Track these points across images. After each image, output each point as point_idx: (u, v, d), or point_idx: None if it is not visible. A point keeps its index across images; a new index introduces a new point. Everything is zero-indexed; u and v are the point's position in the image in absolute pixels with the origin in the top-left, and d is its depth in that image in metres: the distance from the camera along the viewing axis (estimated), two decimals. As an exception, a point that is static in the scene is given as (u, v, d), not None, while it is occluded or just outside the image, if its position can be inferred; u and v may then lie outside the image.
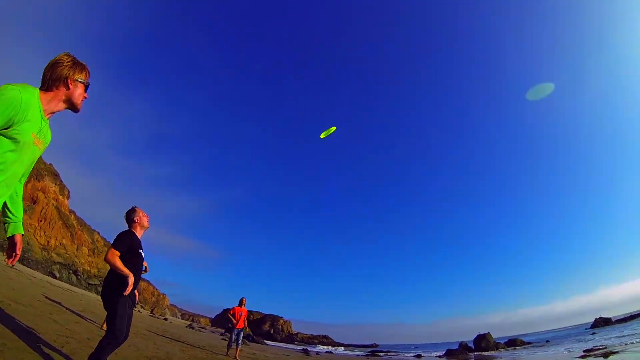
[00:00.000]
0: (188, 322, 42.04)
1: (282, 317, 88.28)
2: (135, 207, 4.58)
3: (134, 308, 4.51)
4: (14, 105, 1.83)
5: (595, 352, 16.28)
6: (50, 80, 2.13)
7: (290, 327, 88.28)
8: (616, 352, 14.94)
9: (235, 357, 11.36)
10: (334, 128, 7.09)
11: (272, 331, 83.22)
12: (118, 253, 4.05)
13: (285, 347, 37.93)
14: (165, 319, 35.61)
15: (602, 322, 44.66)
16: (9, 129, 1.84)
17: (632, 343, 17.76)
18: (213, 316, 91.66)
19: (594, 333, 36.62)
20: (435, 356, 32.93)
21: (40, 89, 2.11)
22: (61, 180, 51.98)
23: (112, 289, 4.04)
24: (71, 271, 45.03)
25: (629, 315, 49.15)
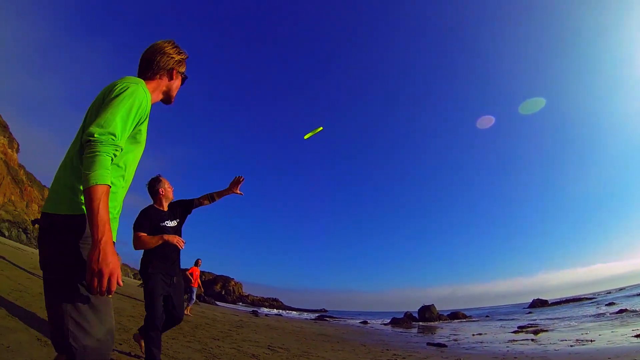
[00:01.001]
0: (140, 282, 40.88)
1: (233, 278, 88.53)
2: (160, 176, 4.22)
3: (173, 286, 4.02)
4: (145, 104, 1.71)
5: (528, 329, 17.09)
6: (156, 69, 1.98)
7: (241, 289, 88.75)
8: (545, 331, 15.65)
9: (187, 314, 11.68)
10: (320, 128, 6.48)
11: (223, 292, 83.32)
12: (143, 234, 3.82)
13: (235, 308, 37.73)
14: None
15: (539, 303, 47.07)
16: (134, 130, 1.69)
17: (561, 324, 18.68)
18: None
19: (530, 312, 38.24)
20: (381, 323, 33.49)
21: (142, 77, 1.94)
22: (10, 133, 48.67)
23: (142, 266, 3.91)
24: (20, 229, 43.52)
25: (563, 299, 53.03)
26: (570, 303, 42.82)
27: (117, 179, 1.69)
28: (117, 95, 1.60)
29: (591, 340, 10.41)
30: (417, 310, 36.44)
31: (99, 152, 1.44)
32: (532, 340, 12.42)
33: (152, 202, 4.18)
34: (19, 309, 5.00)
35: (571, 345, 9.95)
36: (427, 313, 34.94)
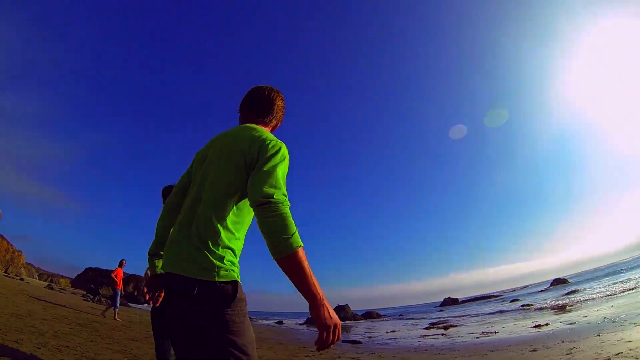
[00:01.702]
0: (47, 283, 37.16)
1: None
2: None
3: None
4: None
5: (438, 325, 17.99)
6: (271, 117, 1.90)
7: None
8: (455, 326, 16.45)
9: (115, 319, 11.26)
10: None
11: (135, 293, 78.32)
12: None
13: (149, 310, 35.39)
14: (22, 279, 32.07)
15: (450, 302, 50.35)
16: None
17: (469, 319, 19.96)
18: (74, 276, 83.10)
19: (441, 310, 40.63)
20: (296, 323, 33.62)
21: (258, 117, 1.88)
22: None
23: None
24: None
25: (473, 297, 57.36)
26: (479, 301, 46.23)
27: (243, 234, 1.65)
28: (273, 155, 1.53)
29: (495, 332, 11.00)
30: (332, 310, 36.76)
31: (285, 213, 1.40)
32: (442, 334, 12.93)
33: None
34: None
35: (477, 337, 10.44)
36: (342, 313, 35.36)
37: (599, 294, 18.05)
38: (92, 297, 22.80)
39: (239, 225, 1.57)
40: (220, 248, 1.46)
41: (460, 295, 57.79)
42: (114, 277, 12.11)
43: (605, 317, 8.57)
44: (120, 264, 12.23)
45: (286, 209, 1.41)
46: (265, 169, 1.48)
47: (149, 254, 1.87)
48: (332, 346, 1.36)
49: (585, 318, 9.01)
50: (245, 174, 1.53)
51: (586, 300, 16.35)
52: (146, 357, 5.53)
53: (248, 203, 1.50)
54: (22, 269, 61.80)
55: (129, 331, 8.97)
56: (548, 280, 44.37)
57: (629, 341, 5.26)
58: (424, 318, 28.61)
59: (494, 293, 59.10)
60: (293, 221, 1.40)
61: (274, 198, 1.39)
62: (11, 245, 63.08)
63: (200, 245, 1.45)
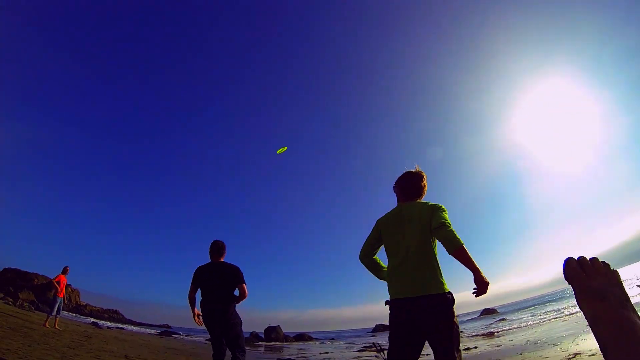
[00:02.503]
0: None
1: (70, 284, 77.44)
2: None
3: None
4: None
5: (371, 349, 17.94)
6: (422, 195, 3.04)
7: (79, 297, 78.01)
8: (387, 349, 16.38)
9: (55, 327, 10.94)
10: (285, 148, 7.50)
11: (53, 299, 72.40)
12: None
13: (73, 319, 32.99)
14: None
15: (382, 328, 51.02)
16: None
17: None
18: None
19: (374, 335, 41.07)
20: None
21: (416, 198, 3.03)
22: None
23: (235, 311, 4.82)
24: None
25: None
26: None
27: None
28: (443, 210, 2.73)
29: (427, 354, 11.43)
30: (263, 330, 36.21)
31: (452, 228, 2.59)
32: (376, 357, 13.24)
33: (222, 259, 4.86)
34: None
35: None
36: (273, 334, 34.90)
37: (524, 322, 19.39)
38: (12, 300, 20.96)
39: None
40: (435, 273, 2.59)
41: (391, 323, 58.83)
42: (56, 284, 11.64)
43: (528, 340, 9.30)
44: (64, 271, 11.82)
45: (452, 226, 2.60)
46: (439, 212, 2.69)
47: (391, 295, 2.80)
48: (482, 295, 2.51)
49: (511, 342, 9.70)
50: (430, 226, 2.66)
51: (513, 328, 17.46)
52: None
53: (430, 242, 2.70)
54: None
55: (61, 339, 8.59)
56: (478, 310, 46.43)
57: (547, 357, 5.85)
58: (356, 342, 28.93)
59: (425, 321, 60.58)
60: (456, 232, 2.56)
61: (446, 221, 2.61)
62: None
63: (429, 272, 2.59)
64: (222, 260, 4.81)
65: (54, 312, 11.44)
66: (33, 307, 20.73)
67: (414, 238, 2.67)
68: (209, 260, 4.74)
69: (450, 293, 2.50)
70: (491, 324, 25.45)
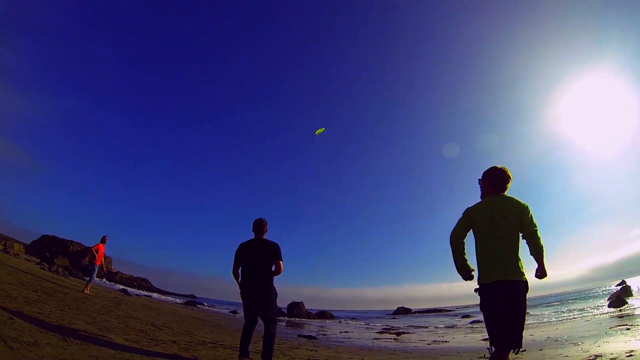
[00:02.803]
0: (1, 246, 35.48)
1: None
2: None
3: None
4: None
5: (391, 331, 18.42)
6: (507, 188, 3.52)
7: (111, 265, 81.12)
8: (407, 333, 16.89)
9: (86, 292, 11.33)
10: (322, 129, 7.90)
11: (90, 267, 75.64)
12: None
13: (103, 285, 34.64)
14: None
15: (402, 311, 51.32)
16: None
17: (421, 329, 20.55)
18: (28, 242, 79.01)
19: (394, 318, 41.32)
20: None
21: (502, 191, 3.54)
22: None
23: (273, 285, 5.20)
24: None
25: (425, 309, 58.30)
26: (432, 313, 47.22)
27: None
28: (530, 212, 3.28)
29: (445, 341, 11.48)
30: (285, 306, 36.92)
31: (539, 235, 3.26)
32: (395, 339, 13.35)
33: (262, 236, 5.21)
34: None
35: (428, 344, 10.87)
36: (295, 309, 35.50)
37: (546, 318, 18.96)
38: (47, 265, 22.06)
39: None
40: (520, 262, 3.16)
41: (413, 306, 58.85)
42: (94, 252, 12.24)
43: (549, 337, 9.13)
44: (103, 240, 12.34)
45: (539, 233, 3.26)
46: (529, 216, 3.26)
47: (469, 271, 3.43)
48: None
49: (531, 336, 9.54)
50: (518, 222, 3.24)
51: (534, 322, 17.18)
52: (117, 330, 5.62)
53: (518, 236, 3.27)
54: (-27, 231, 58.47)
55: (92, 304, 8.99)
56: (501, 302, 45.77)
57: (567, 356, 5.71)
58: (376, 323, 29.18)
59: (447, 307, 60.48)
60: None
61: (536, 230, 3.25)
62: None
63: (513, 261, 3.14)
64: (263, 237, 5.16)
65: (92, 279, 12.12)
66: (67, 273, 21.75)
67: (503, 230, 3.23)
68: (245, 237, 5.13)
69: (526, 281, 3.10)
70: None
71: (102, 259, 12.53)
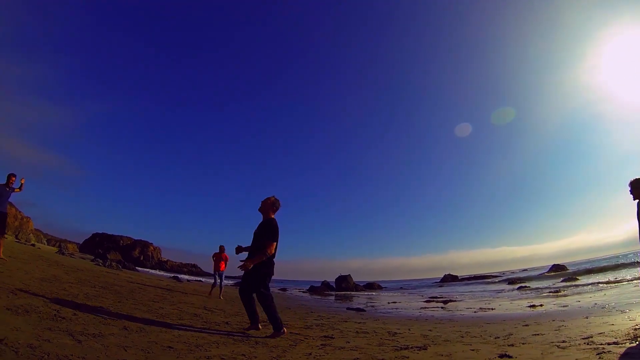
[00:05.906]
0: (57, 249, 38.07)
1: (151, 243, 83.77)
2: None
3: None
4: None
5: (438, 299, 18.64)
6: None
7: (160, 254, 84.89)
8: (454, 301, 17.10)
9: (220, 297, 12.37)
10: None
11: (142, 258, 78.97)
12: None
13: (156, 274, 36.71)
14: (33, 245, 32.51)
15: (449, 278, 51.30)
16: None
17: (468, 297, 20.71)
18: (80, 241, 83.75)
19: (441, 286, 41.51)
20: (299, 291, 34.78)
21: None
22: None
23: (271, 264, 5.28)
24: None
25: (472, 276, 58.00)
26: (478, 280, 46.85)
27: None
28: None
29: (492, 309, 11.64)
30: (334, 280, 37.73)
31: None
32: (442, 307, 13.62)
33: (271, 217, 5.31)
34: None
35: (475, 312, 11.10)
36: (344, 283, 36.27)
37: (594, 283, 18.53)
38: (101, 261, 23.70)
39: None
40: None
41: (459, 273, 58.61)
42: (221, 259, 13.38)
43: (596, 303, 9.10)
44: (221, 250, 13.52)
45: None
46: None
47: None
48: None
49: (578, 303, 9.55)
50: None
51: (581, 286, 16.91)
52: (172, 315, 6.04)
53: None
54: (31, 234, 61.88)
55: (146, 293, 9.59)
56: (547, 266, 44.78)
57: (613, 324, 5.72)
58: (424, 292, 29.47)
59: (493, 273, 59.69)
60: None
61: None
62: (19, 211, 62.87)
63: None
64: (272, 216, 5.32)
65: (216, 284, 13.43)
66: (120, 266, 23.27)
67: None
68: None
69: None
70: (560, 281, 24.61)
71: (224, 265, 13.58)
